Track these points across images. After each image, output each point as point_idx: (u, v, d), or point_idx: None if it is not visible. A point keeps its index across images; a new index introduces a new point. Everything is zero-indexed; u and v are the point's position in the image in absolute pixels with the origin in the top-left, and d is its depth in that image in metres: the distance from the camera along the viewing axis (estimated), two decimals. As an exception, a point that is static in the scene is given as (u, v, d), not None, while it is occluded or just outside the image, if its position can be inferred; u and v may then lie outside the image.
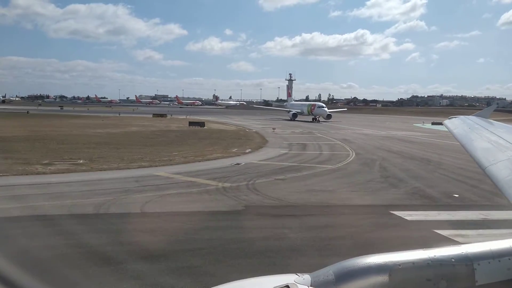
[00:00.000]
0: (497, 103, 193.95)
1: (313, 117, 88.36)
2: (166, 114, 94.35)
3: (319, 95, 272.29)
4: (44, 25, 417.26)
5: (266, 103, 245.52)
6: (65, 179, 21.33)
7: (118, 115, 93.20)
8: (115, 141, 39.09)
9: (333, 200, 18.08)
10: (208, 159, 29.20)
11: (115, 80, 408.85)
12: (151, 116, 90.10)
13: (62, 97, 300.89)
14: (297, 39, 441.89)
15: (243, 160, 28.91)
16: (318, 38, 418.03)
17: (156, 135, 46.36)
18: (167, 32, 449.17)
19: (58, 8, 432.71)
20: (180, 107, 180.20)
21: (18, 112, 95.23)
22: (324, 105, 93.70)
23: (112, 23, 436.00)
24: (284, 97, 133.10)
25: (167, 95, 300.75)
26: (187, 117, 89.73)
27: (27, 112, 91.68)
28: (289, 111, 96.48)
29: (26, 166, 24.23)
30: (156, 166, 25.85)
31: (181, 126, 61.58)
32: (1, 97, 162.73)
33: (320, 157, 31.11)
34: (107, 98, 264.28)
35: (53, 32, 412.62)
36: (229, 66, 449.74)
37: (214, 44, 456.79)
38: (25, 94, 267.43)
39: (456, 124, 8.70)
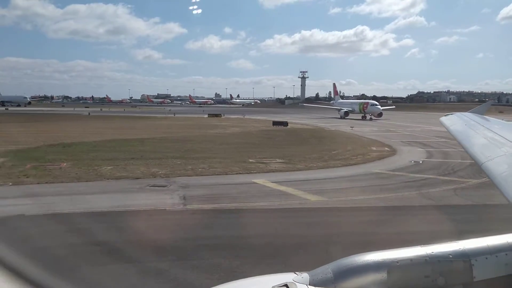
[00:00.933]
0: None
1: (363, 114, 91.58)
2: (221, 114, 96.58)
3: (329, 92, 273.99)
4: (44, 26, 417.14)
5: (280, 100, 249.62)
6: (319, 175, 24.04)
7: (173, 115, 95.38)
8: (249, 142, 41.73)
9: None
10: (378, 158, 32.07)
11: (113, 80, 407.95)
12: (207, 116, 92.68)
13: (66, 97, 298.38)
14: (297, 36, 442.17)
15: (408, 158, 31.28)
16: (317, 35, 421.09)
17: (268, 136, 48.09)
18: (166, 31, 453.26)
19: (58, 9, 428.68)
20: (200, 106, 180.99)
21: (77, 114, 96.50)
22: (377, 103, 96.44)
23: (112, 23, 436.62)
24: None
25: (170, 94, 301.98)
26: (245, 116, 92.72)
27: (88, 114, 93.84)
28: (339, 109, 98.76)
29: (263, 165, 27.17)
30: (352, 165, 28.18)
31: (268, 126, 63.85)
32: (28, 99, 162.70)
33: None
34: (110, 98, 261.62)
35: (53, 33, 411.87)
36: (229, 64, 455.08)
37: (213, 42, 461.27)
38: (27, 95, 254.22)
39: (453, 121, 8.82)
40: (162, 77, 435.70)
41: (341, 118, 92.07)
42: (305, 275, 3.05)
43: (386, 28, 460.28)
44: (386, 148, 37.96)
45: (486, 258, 3.18)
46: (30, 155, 28.95)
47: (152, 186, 20.23)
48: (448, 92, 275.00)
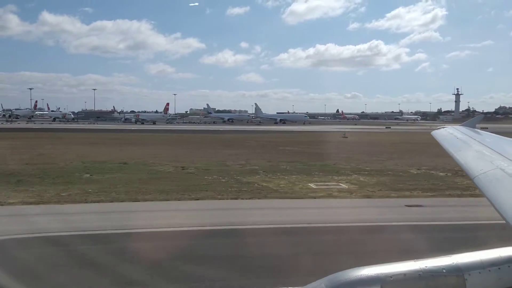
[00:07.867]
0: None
1: None
2: None
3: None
4: (65, 42, 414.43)
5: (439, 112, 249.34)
6: None
7: None
8: None
9: None
10: None
11: (121, 93, 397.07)
12: None
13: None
14: (311, 50, 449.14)
15: None
16: (332, 49, 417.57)
17: None
18: (185, 46, 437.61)
19: (84, 25, 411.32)
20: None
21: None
22: None
23: (133, 39, 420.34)
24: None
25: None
26: None
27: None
28: None
29: None
30: None
31: None
32: (308, 118, 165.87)
33: None
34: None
35: (74, 49, 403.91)
36: (238, 78, 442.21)
37: (227, 57, 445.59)
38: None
39: (444, 135, 8.84)
40: (170, 90, 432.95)
41: None
42: None
43: (401, 43, 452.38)
44: None
45: (479, 273, 3.17)
46: None
47: None
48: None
